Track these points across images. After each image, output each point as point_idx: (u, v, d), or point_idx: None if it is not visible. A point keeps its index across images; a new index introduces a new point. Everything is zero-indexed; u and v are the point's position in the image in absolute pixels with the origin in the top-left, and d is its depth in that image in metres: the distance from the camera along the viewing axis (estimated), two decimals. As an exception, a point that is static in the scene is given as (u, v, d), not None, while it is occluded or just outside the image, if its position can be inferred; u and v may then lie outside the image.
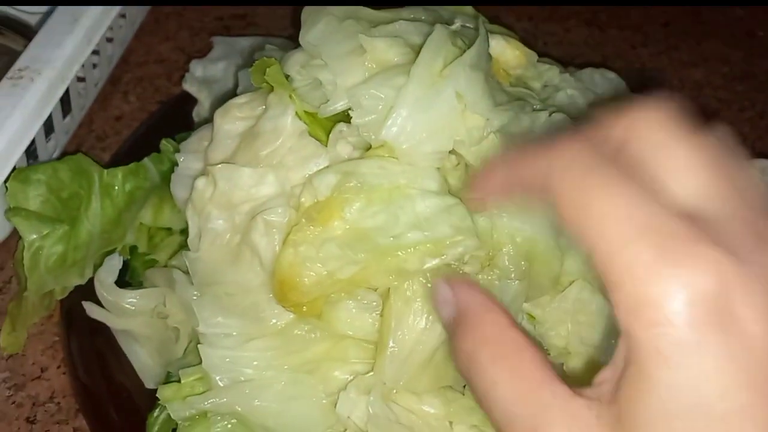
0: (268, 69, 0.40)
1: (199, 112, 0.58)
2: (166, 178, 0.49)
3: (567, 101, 0.47)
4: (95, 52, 0.57)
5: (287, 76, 0.41)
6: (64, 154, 0.57)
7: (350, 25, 0.40)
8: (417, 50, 0.39)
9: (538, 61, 0.48)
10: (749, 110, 0.64)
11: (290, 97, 0.39)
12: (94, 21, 0.53)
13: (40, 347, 0.47)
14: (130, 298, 0.43)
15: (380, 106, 0.36)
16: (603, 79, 0.52)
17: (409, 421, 0.37)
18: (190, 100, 0.58)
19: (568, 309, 0.39)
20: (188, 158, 0.45)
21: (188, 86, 0.59)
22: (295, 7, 0.71)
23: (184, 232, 0.45)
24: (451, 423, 0.38)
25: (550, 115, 0.40)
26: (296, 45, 0.59)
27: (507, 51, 0.44)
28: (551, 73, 0.47)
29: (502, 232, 0.38)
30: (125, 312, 0.43)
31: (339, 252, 0.35)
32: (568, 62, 0.59)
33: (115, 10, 0.56)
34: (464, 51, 0.38)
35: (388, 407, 0.36)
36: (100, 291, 0.44)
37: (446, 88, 0.36)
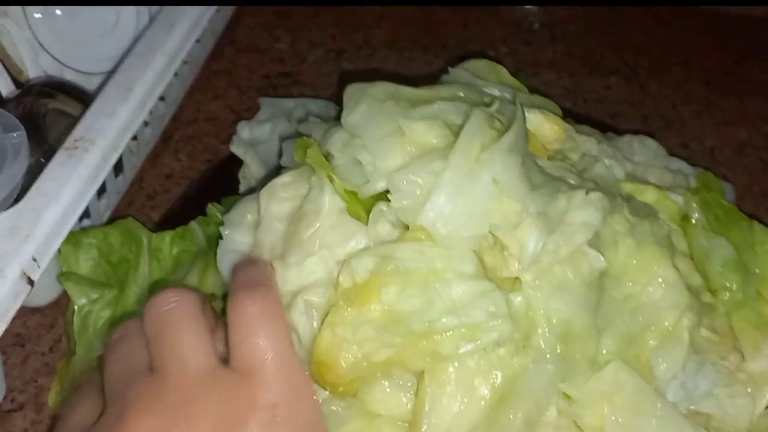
0: (308, 150, 0.41)
1: (244, 174, 0.60)
2: (211, 242, 0.50)
3: (605, 172, 0.47)
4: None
5: (328, 154, 0.42)
6: (115, 213, 0.60)
7: (390, 107, 0.41)
8: (455, 131, 0.40)
9: (576, 129, 0.48)
10: None
11: (329, 176, 0.41)
12: (149, 87, 0.56)
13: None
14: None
15: (418, 191, 0.37)
16: (642, 146, 0.52)
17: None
18: (237, 161, 0.60)
19: (604, 390, 0.39)
20: (233, 231, 0.46)
21: (235, 148, 0.61)
22: (340, 66, 0.73)
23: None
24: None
25: (587, 193, 0.40)
26: (339, 105, 0.62)
27: (545, 126, 0.45)
28: (589, 144, 0.47)
29: (537, 312, 0.38)
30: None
31: (375, 334, 0.36)
32: (608, 122, 0.59)
33: (169, 75, 0.59)
34: (502, 133, 0.39)
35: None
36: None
37: (483, 174, 0.36)
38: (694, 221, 0.45)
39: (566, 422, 0.40)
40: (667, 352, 0.41)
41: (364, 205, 0.41)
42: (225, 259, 0.46)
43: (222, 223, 0.46)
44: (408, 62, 0.74)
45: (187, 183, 0.64)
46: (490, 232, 0.37)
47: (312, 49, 0.76)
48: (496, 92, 0.48)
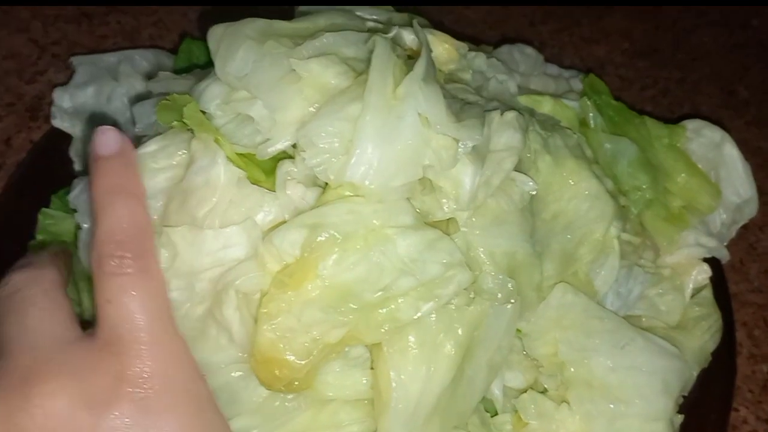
0: (185, 109, 0.34)
1: (77, 150, 0.50)
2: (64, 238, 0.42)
3: (500, 88, 0.44)
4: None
5: (205, 113, 0.35)
6: None
7: (273, 47, 0.34)
8: (354, 66, 0.35)
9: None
10: (651, 88, 0.63)
11: (217, 140, 0.34)
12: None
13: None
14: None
15: (337, 143, 0.32)
16: (522, 55, 0.50)
17: (422, 475, 0.34)
18: (63, 138, 0.50)
19: (552, 316, 0.38)
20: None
21: (58, 122, 0.51)
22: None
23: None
24: (461, 463, 0.35)
25: (501, 114, 0.37)
26: (174, 53, 0.53)
27: (438, 47, 0.41)
28: (479, 60, 0.44)
29: (479, 250, 0.35)
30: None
31: (322, 315, 0.31)
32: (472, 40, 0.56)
33: None
34: (407, 61, 0.35)
35: (402, 468, 0.33)
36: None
37: (407, 112, 0.32)
38: (593, 125, 0.44)
39: (518, 357, 0.38)
40: (602, 264, 0.40)
41: (263, 169, 0.35)
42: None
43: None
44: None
45: None
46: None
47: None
48: (370, 15, 0.43)
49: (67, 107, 0.52)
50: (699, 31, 0.66)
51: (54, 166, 0.49)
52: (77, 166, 0.50)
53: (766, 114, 0.60)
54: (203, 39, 0.49)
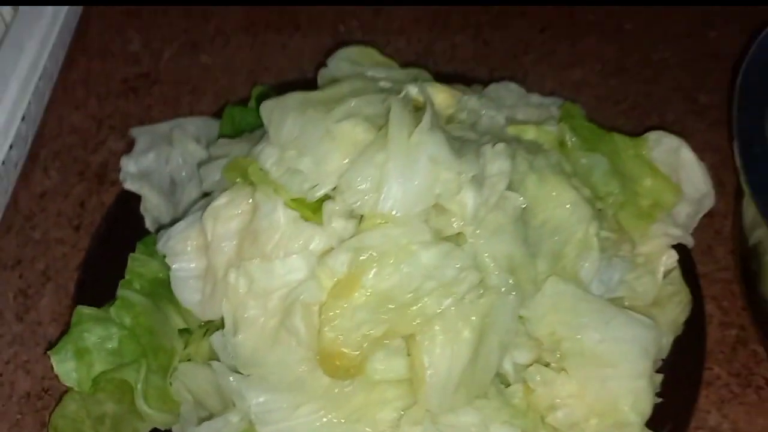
0: (249, 168, 0.44)
1: (146, 207, 0.60)
2: (156, 285, 0.51)
3: (490, 123, 0.54)
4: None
5: (262, 170, 0.45)
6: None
7: (313, 115, 0.45)
8: (376, 122, 0.45)
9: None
10: (623, 103, 0.72)
11: (275, 190, 0.44)
12: (8, 112, 0.54)
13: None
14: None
15: (369, 185, 0.42)
16: (507, 91, 0.59)
17: (456, 436, 0.43)
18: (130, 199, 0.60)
19: (548, 303, 0.47)
20: (179, 261, 0.48)
21: (129, 185, 0.60)
22: (197, 59, 0.74)
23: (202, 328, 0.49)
24: (486, 425, 0.44)
25: (493, 146, 0.47)
26: (216, 117, 0.63)
27: (438, 96, 0.51)
28: (472, 101, 0.54)
29: (484, 255, 0.45)
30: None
31: (369, 316, 0.41)
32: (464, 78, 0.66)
33: (27, 96, 0.57)
34: (416, 114, 0.45)
35: (439, 430, 0.43)
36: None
37: (421, 156, 0.42)
38: (570, 145, 0.54)
39: (523, 339, 0.48)
40: (585, 258, 0.49)
41: (311, 209, 0.45)
42: (182, 288, 0.48)
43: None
44: (263, 46, 0.76)
45: (63, 198, 0.64)
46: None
47: (166, 46, 0.76)
48: (381, 75, 0.54)
49: (133, 172, 0.61)
50: (661, 47, 0.75)
51: (129, 220, 0.59)
52: (147, 221, 0.60)
53: (725, 116, 0.70)
54: (239, 103, 0.60)
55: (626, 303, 0.51)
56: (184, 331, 0.49)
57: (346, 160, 0.43)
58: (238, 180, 0.46)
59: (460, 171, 0.42)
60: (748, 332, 0.57)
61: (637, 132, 0.57)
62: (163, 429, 0.47)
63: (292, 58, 0.75)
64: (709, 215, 0.59)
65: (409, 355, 0.43)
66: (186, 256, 0.48)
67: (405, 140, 0.42)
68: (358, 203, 0.42)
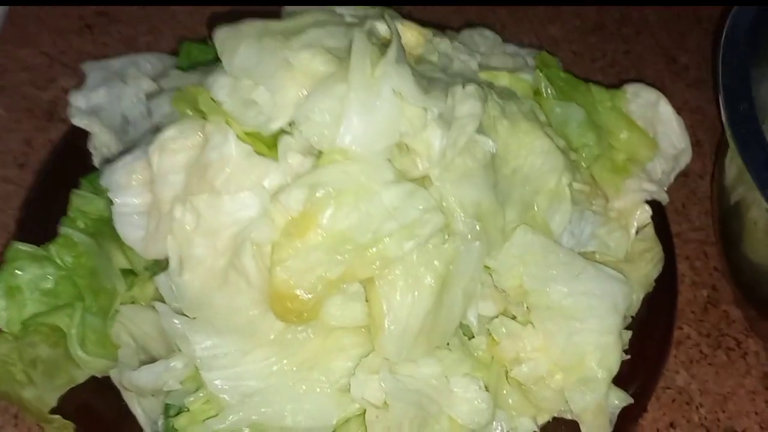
0: (199, 97, 0.41)
1: (95, 144, 0.57)
2: (100, 222, 0.48)
3: (463, 67, 0.51)
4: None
5: (214, 101, 0.42)
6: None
7: (270, 43, 0.41)
8: (337, 54, 0.42)
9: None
10: (600, 60, 0.69)
11: (227, 122, 0.41)
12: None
13: None
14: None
15: (328, 117, 0.39)
16: (481, 38, 0.57)
17: (415, 386, 0.41)
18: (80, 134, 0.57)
19: (517, 254, 0.45)
20: (123, 195, 0.45)
21: (77, 120, 0.57)
22: (156, 7, 0.70)
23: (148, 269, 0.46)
24: (447, 377, 0.42)
25: (463, 87, 0.44)
26: (174, 54, 0.60)
27: (406, 34, 0.48)
28: (444, 45, 0.51)
29: (450, 200, 0.42)
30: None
31: (325, 257, 0.38)
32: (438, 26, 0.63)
33: None
34: (381, 48, 0.42)
35: (397, 379, 0.40)
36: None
37: (384, 88, 0.39)
38: (545, 94, 0.51)
39: (489, 290, 0.46)
40: (556, 209, 0.47)
41: (266, 144, 0.42)
42: (124, 224, 0.45)
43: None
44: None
45: (10, 135, 0.61)
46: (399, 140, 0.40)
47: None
48: (345, 11, 0.50)
49: (83, 107, 0.58)
50: (641, 6, 0.73)
51: (76, 157, 0.56)
52: (95, 158, 0.57)
53: (703, 76, 0.68)
54: (198, 41, 0.57)
55: (597, 258, 0.50)
56: (129, 273, 0.46)
57: (304, 92, 0.40)
58: (188, 111, 0.43)
59: (425, 107, 0.40)
60: (720, 293, 0.56)
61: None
62: (100, 376, 0.44)
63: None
64: (685, 174, 0.57)
65: (367, 300, 0.41)
66: (130, 191, 0.45)
67: (368, 72, 0.39)
68: (316, 137, 0.39)
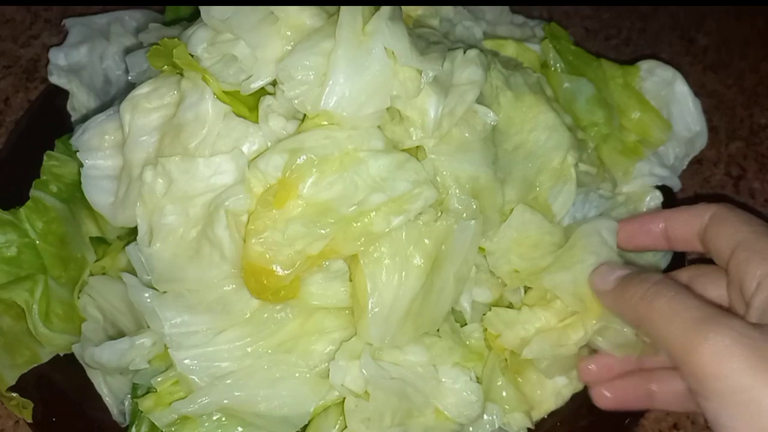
0: (174, 51, 0.38)
1: (73, 105, 0.54)
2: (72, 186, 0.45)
3: (466, 33, 0.48)
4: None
5: (192, 56, 0.39)
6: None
7: (254, -7, 0.38)
8: (325, 8, 0.38)
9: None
10: (615, 38, 0.66)
11: (204, 78, 0.37)
12: None
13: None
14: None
15: (312, 76, 0.35)
16: (488, 7, 0.53)
17: (399, 374, 0.38)
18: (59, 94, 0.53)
19: (514, 236, 0.41)
20: (93, 157, 0.42)
21: (55, 78, 0.54)
22: None
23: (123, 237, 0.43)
24: (435, 366, 0.39)
25: (464, 52, 0.41)
26: (161, 12, 0.57)
27: (405, -6, 0.44)
28: (446, 9, 0.47)
29: (445, 174, 0.39)
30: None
31: (305, 230, 0.35)
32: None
33: None
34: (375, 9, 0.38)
35: (380, 366, 0.37)
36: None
37: (375, 46, 0.35)
38: (553, 67, 0.48)
39: (485, 275, 0.42)
40: (559, 189, 0.43)
41: (247, 104, 0.38)
42: (93, 188, 0.41)
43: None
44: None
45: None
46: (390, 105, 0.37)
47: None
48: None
49: (62, 65, 0.55)
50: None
51: (53, 118, 0.52)
52: (74, 118, 0.54)
53: (722, 59, 0.64)
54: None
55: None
56: (101, 241, 0.43)
57: (289, 47, 0.37)
58: (164, 68, 0.39)
59: (420, 68, 0.36)
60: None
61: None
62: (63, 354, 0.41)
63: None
64: (698, 161, 0.53)
65: (350, 280, 0.38)
66: (101, 153, 0.41)
67: (358, 27, 0.36)
68: (298, 98, 0.35)
